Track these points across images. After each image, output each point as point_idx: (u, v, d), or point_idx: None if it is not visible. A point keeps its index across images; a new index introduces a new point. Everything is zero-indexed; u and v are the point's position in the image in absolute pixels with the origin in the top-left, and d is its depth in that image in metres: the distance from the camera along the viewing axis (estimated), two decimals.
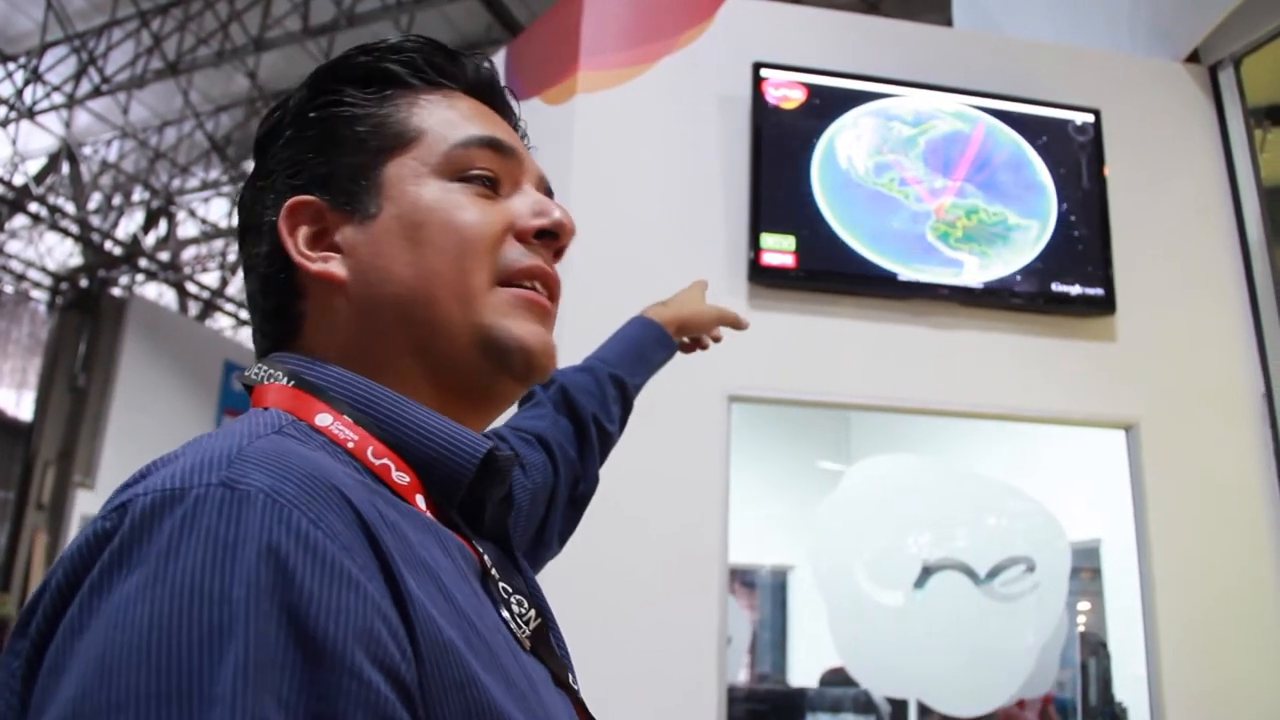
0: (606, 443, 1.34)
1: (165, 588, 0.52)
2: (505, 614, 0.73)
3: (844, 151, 3.26)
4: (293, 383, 0.74)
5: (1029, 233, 3.30)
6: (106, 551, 0.55)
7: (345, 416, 0.72)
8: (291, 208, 0.78)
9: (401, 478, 0.71)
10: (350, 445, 0.70)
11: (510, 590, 0.76)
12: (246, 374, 0.79)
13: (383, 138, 0.81)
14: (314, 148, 0.80)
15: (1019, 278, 3.26)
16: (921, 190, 3.26)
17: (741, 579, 5.75)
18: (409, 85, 0.84)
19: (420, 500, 0.72)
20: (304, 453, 0.62)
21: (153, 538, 0.54)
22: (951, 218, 3.25)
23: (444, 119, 0.83)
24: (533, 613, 0.77)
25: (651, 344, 1.44)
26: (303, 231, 0.79)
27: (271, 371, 0.76)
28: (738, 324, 1.59)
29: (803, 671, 5.38)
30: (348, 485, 0.61)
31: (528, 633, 0.74)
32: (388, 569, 0.59)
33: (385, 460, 0.71)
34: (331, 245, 0.79)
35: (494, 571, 0.75)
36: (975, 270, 3.23)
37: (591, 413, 1.30)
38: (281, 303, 0.80)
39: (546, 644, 0.77)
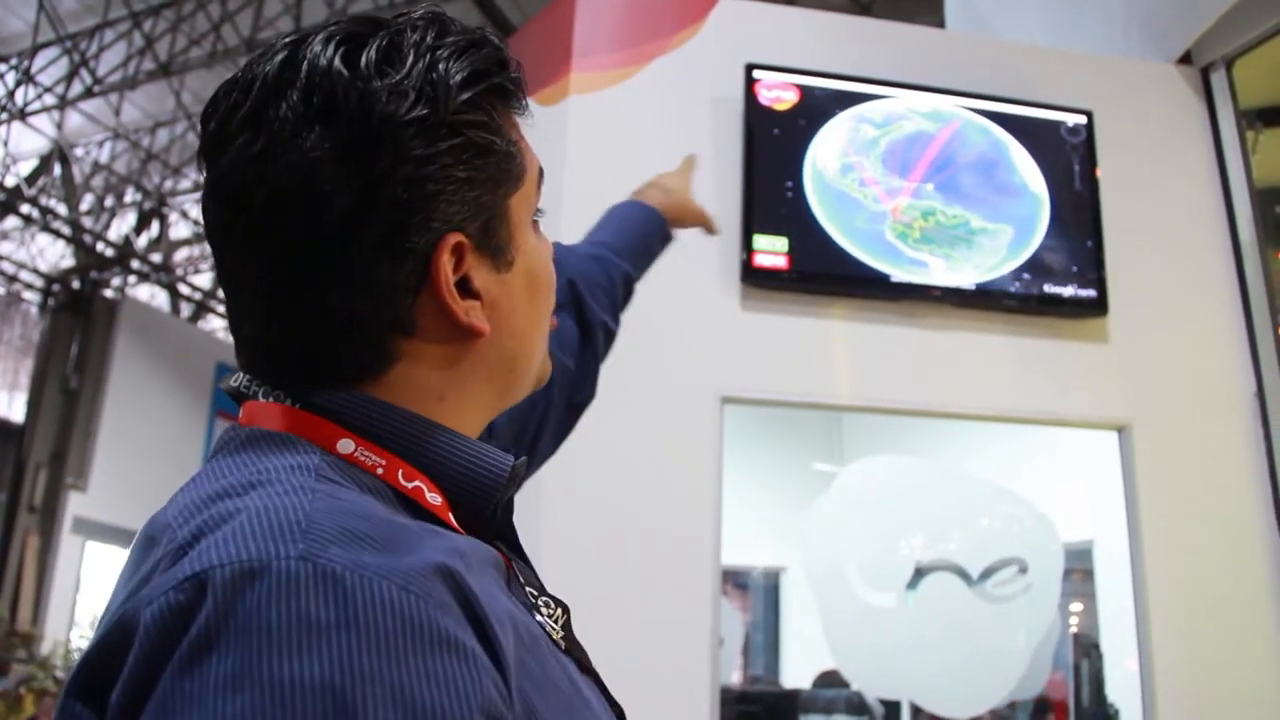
0: (609, 344, 1.29)
1: (265, 677, 0.50)
2: (539, 618, 0.72)
3: (822, 153, 3.26)
4: (298, 404, 0.69)
5: (999, 238, 3.26)
6: (192, 629, 0.52)
7: (366, 440, 0.68)
8: (451, 244, 0.70)
9: (434, 499, 0.69)
10: (380, 471, 0.68)
11: (535, 593, 0.76)
12: (235, 382, 0.74)
13: (512, 174, 0.75)
14: (467, 171, 0.70)
15: (1011, 279, 3.26)
16: (879, 191, 3.25)
17: (734, 580, 5.75)
18: (517, 109, 0.77)
19: (452, 518, 0.70)
20: (365, 507, 0.60)
21: (240, 619, 0.52)
22: (908, 219, 3.24)
23: (527, 149, 0.78)
24: (559, 610, 0.76)
25: (656, 236, 1.40)
26: (448, 271, 0.70)
27: (268, 388, 0.71)
28: (710, 228, 1.56)
29: (795, 673, 5.38)
30: (416, 533, 0.60)
31: (561, 634, 0.74)
32: (477, 619, 0.58)
33: (417, 483, 0.69)
34: (471, 292, 0.72)
35: (520, 576, 0.75)
36: (943, 272, 3.21)
37: (602, 319, 1.24)
38: (379, 339, 0.70)
39: (573, 637, 0.77)
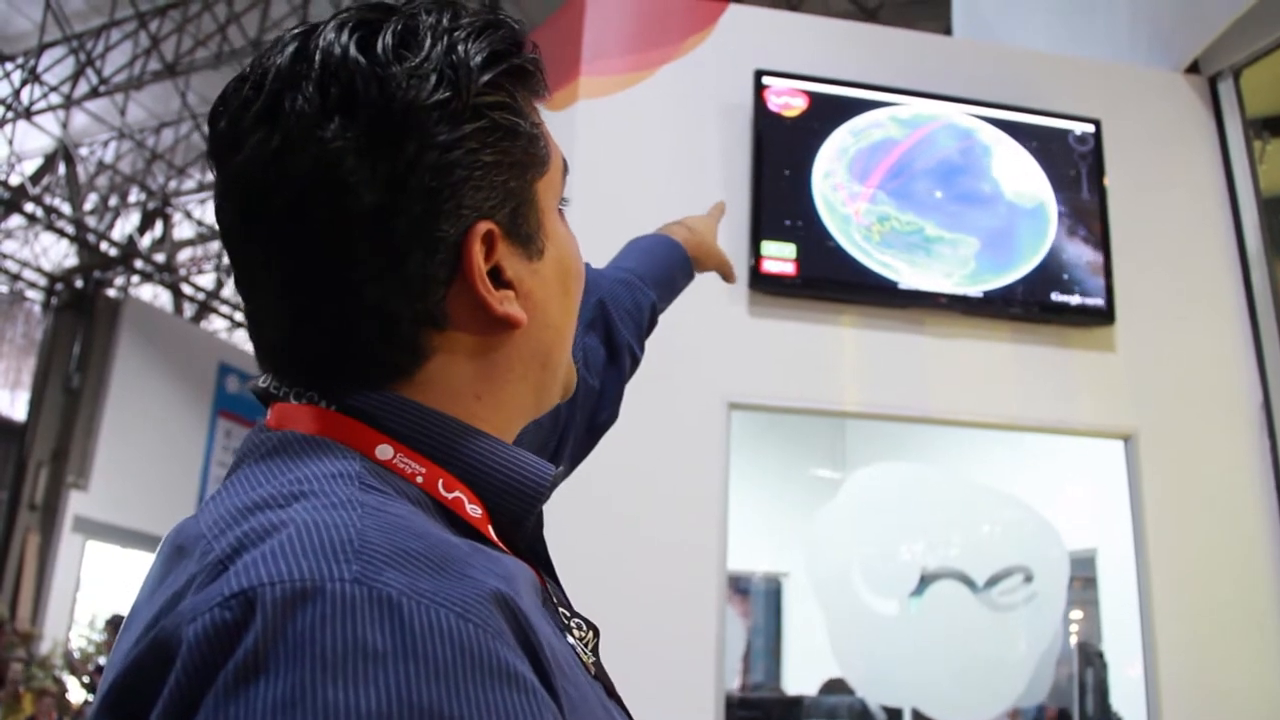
0: (633, 369, 1.24)
1: (319, 705, 0.48)
2: (571, 640, 0.70)
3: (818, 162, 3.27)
4: (334, 406, 0.66)
5: (960, 248, 3.25)
6: (239, 650, 0.49)
7: (405, 446, 0.66)
8: (481, 233, 0.67)
9: (474, 510, 0.67)
10: (419, 480, 0.65)
11: (568, 614, 0.74)
12: (263, 383, 0.71)
13: (538, 157, 0.72)
14: (494, 155, 0.68)
15: (1019, 287, 3.26)
16: (844, 195, 3.25)
17: (736, 586, 5.75)
18: (538, 91, 0.74)
19: (491, 531, 0.68)
20: (417, 523, 0.57)
21: (291, 642, 0.49)
22: (866, 222, 3.23)
23: (549, 136, 0.76)
24: (590, 634, 0.75)
25: (680, 272, 1.36)
26: (480, 260, 0.67)
27: (299, 389, 0.68)
28: (729, 277, 1.49)
29: (796, 679, 5.37)
30: (469, 555, 0.57)
31: (592, 658, 0.72)
32: (531, 648, 0.55)
33: (457, 493, 0.66)
34: (504, 282, 0.70)
35: (553, 596, 0.73)
36: (911, 277, 3.20)
37: (628, 341, 1.20)
38: (412, 335, 0.67)
39: (599, 662, 0.74)
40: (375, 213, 0.64)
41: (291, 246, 0.65)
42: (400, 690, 0.49)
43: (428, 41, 0.66)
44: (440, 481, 0.66)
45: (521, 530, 0.71)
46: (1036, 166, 3.40)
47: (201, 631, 0.51)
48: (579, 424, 1.12)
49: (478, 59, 0.67)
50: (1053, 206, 3.35)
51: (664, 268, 1.32)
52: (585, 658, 0.70)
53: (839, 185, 3.24)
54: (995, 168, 3.37)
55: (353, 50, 0.65)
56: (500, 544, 0.67)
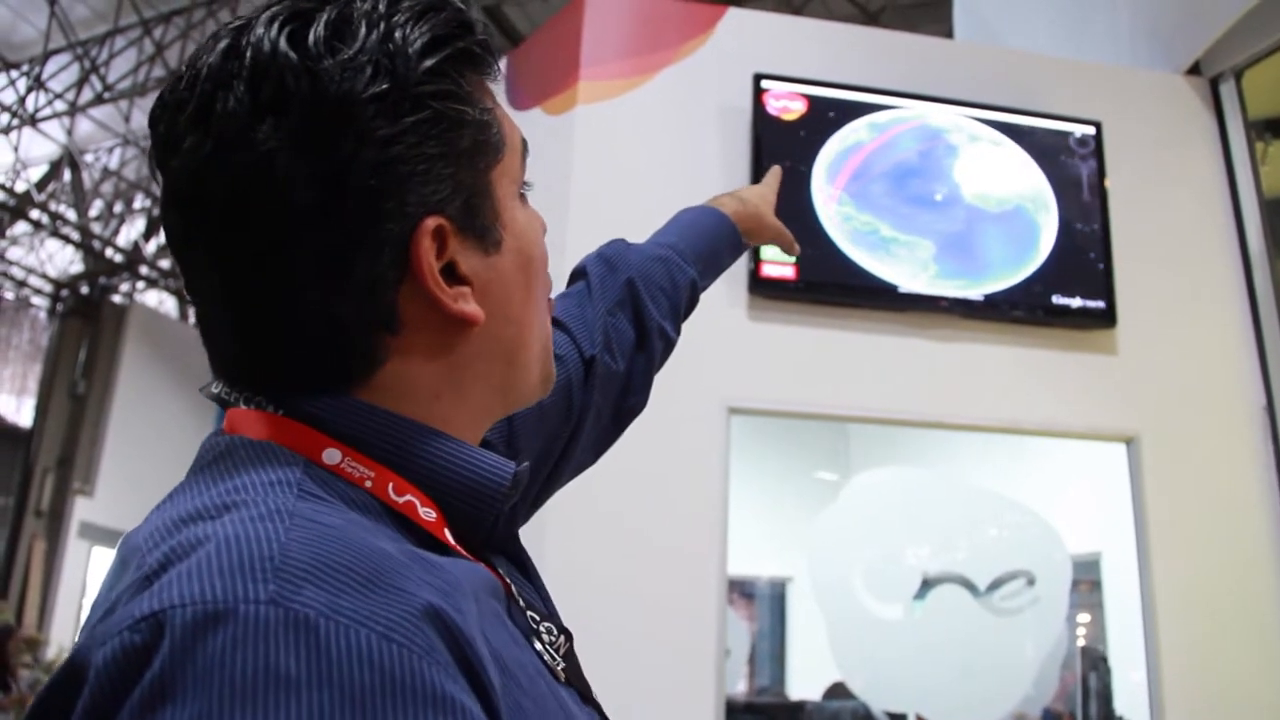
0: (668, 352, 1.16)
1: None
2: (538, 646, 0.68)
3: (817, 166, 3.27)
4: (281, 410, 0.64)
5: (917, 251, 3.23)
6: (146, 676, 0.47)
7: (355, 450, 0.63)
8: (430, 229, 0.64)
9: (428, 514, 0.64)
10: (368, 484, 0.62)
11: (537, 618, 0.71)
12: (215, 389, 0.68)
13: (489, 145, 0.69)
14: (439, 146, 0.65)
15: (1020, 290, 3.25)
16: (821, 196, 3.24)
17: (740, 590, 5.74)
18: (488, 74, 0.71)
19: (448, 534, 0.65)
20: (348, 533, 0.54)
21: (198, 668, 0.47)
22: (836, 220, 3.23)
23: (505, 119, 0.72)
24: (561, 638, 0.72)
25: (727, 246, 1.28)
26: (430, 258, 0.64)
27: (249, 394, 0.66)
28: (790, 248, 1.42)
29: (802, 683, 5.36)
30: (404, 566, 0.54)
31: (561, 664, 0.70)
32: (468, 664, 0.53)
33: (409, 497, 0.63)
34: (458, 278, 0.67)
35: (520, 599, 0.70)
36: (886, 272, 3.20)
37: (660, 324, 1.12)
38: (364, 339, 0.65)
39: (575, 665, 0.72)
40: (314, 214, 0.61)
41: (232, 252, 0.62)
42: (313, 718, 0.46)
43: (362, 30, 0.63)
44: (391, 485, 0.63)
45: (480, 532, 0.68)
46: (1021, 169, 3.38)
47: (110, 655, 0.49)
48: (604, 411, 1.06)
49: (417, 45, 0.64)
50: (1050, 208, 3.34)
51: (708, 241, 1.24)
52: (553, 663, 0.68)
53: (818, 186, 3.25)
54: (957, 170, 3.35)
55: (283, 44, 0.62)
56: (457, 547, 0.65)
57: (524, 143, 0.75)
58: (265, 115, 0.60)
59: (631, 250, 1.17)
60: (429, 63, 0.64)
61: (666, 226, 1.26)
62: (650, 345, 1.11)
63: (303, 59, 0.61)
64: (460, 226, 0.66)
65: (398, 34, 0.64)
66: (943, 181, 3.33)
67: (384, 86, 0.62)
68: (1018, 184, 3.37)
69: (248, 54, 0.62)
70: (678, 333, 1.17)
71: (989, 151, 3.39)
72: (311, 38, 0.62)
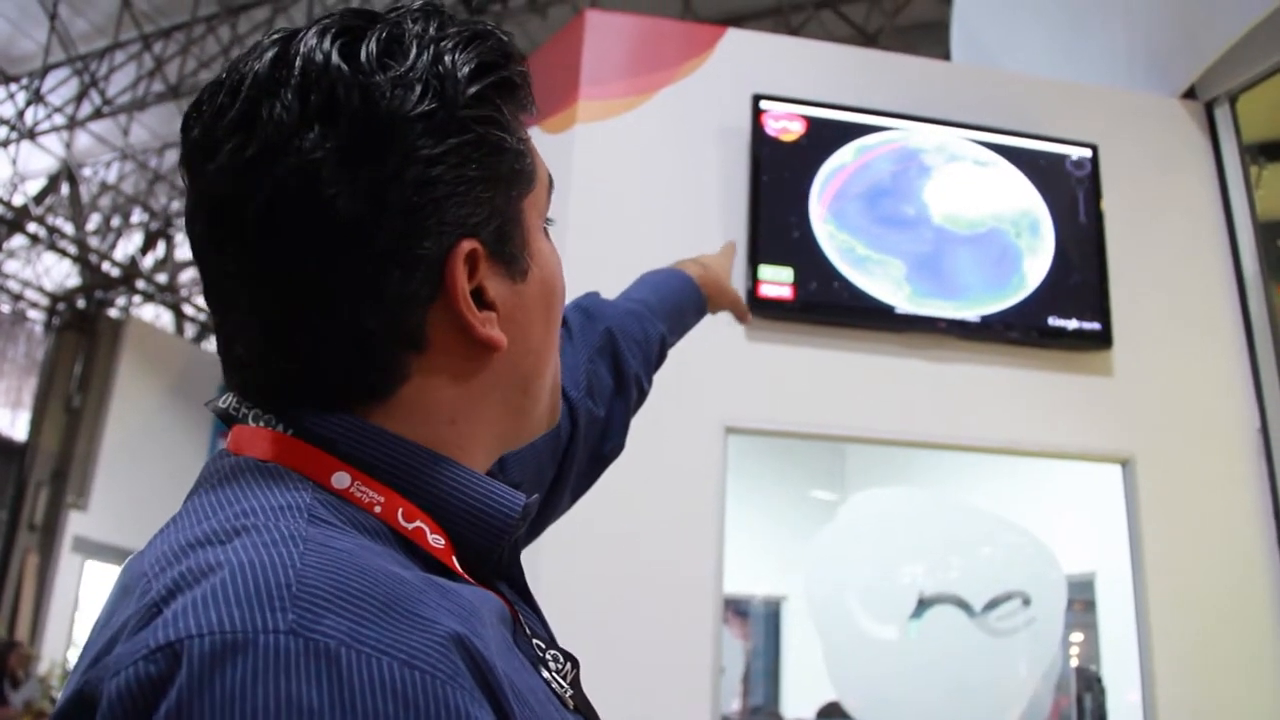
0: (640, 401, 1.20)
1: None
2: (545, 674, 0.67)
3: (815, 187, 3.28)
4: (290, 430, 0.63)
5: (890, 269, 3.24)
6: (162, 708, 0.46)
7: (364, 474, 0.62)
8: (465, 251, 0.64)
9: (437, 541, 0.63)
10: (377, 509, 0.61)
11: (543, 645, 0.71)
12: (223, 403, 0.68)
13: (524, 174, 0.70)
14: (479, 170, 0.65)
15: (1016, 311, 3.26)
16: (815, 216, 3.25)
17: (735, 608, 5.73)
18: (526, 106, 0.71)
19: (455, 561, 0.65)
20: (363, 558, 0.54)
21: (218, 700, 0.46)
22: (824, 237, 3.24)
23: (535, 152, 0.73)
24: (568, 666, 0.72)
25: (692, 307, 1.33)
26: (463, 280, 0.64)
27: (258, 411, 0.65)
28: (743, 317, 1.49)
29: (796, 702, 5.35)
30: (421, 592, 0.53)
31: (569, 691, 0.69)
32: (491, 689, 0.53)
33: (419, 523, 0.63)
34: (485, 303, 0.67)
35: (526, 627, 0.70)
36: (868, 285, 3.21)
37: (635, 372, 1.16)
38: (388, 356, 0.64)
39: (581, 693, 0.72)
40: (353, 227, 0.61)
41: (264, 260, 0.62)
42: None
43: (413, 50, 0.64)
44: (400, 511, 0.62)
45: (489, 561, 0.68)
46: (1005, 190, 3.38)
47: (124, 686, 0.48)
48: (583, 454, 1.08)
49: (465, 70, 0.65)
50: (1040, 230, 3.36)
51: (675, 301, 1.29)
52: (561, 691, 0.68)
53: (813, 207, 3.26)
54: (928, 192, 3.35)
55: (335, 57, 0.62)
56: (464, 575, 0.64)
57: (550, 179, 0.76)
58: (313, 124, 0.60)
59: (606, 303, 1.20)
60: (475, 88, 0.65)
61: (636, 284, 1.30)
62: (628, 392, 1.14)
63: (355, 72, 0.62)
64: (492, 252, 0.67)
65: (447, 58, 0.65)
66: (912, 202, 3.34)
67: (432, 106, 0.63)
68: (996, 206, 3.37)
69: (297, 63, 0.62)
70: (650, 384, 1.21)
71: (967, 173, 3.39)
72: (364, 53, 0.63)
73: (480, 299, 0.66)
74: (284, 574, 0.50)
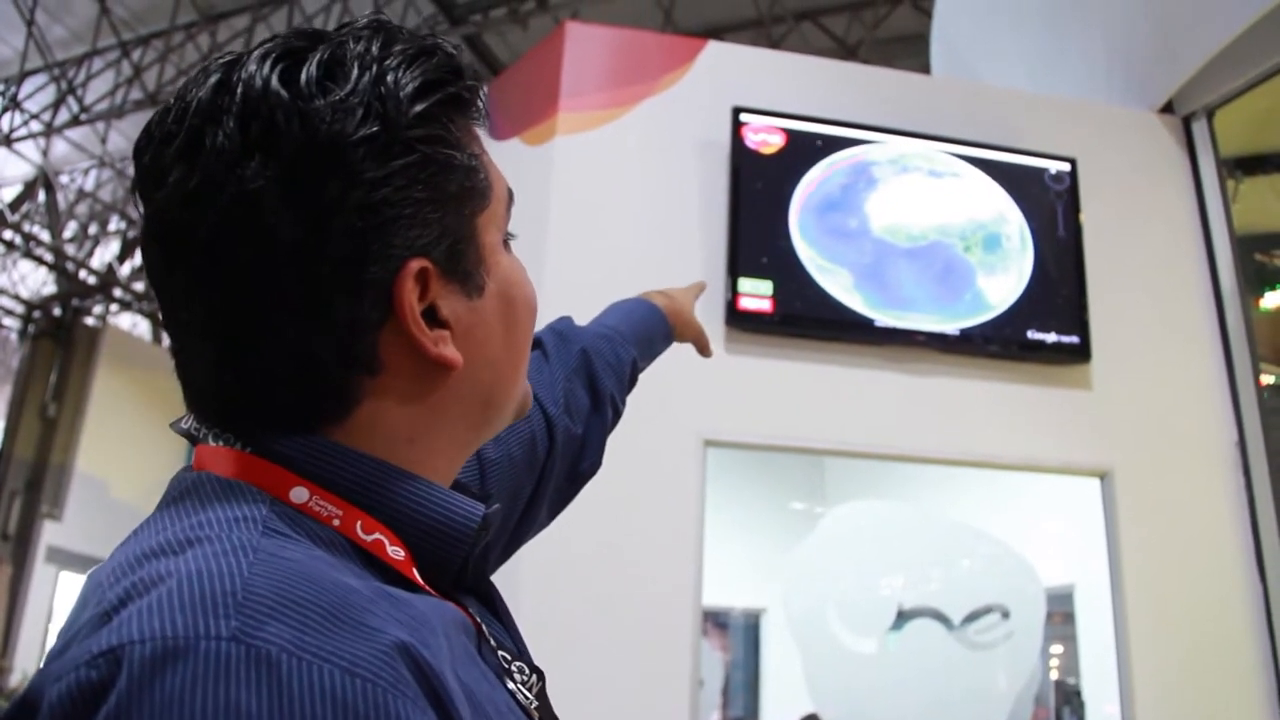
0: (615, 421, 1.22)
1: None
2: (511, 685, 0.68)
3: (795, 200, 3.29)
4: (250, 449, 0.63)
5: (839, 278, 3.24)
6: (101, 713, 0.46)
7: (323, 489, 0.63)
8: (414, 271, 0.64)
9: (396, 553, 0.63)
10: (336, 522, 0.62)
11: (509, 657, 0.72)
12: (185, 424, 0.68)
13: (476, 191, 0.69)
14: (426, 191, 0.65)
15: (994, 325, 3.27)
16: (792, 228, 3.25)
17: (714, 620, 5.72)
18: (477, 120, 0.71)
19: (415, 573, 0.65)
20: (311, 568, 0.54)
21: (155, 705, 0.46)
22: (801, 250, 3.24)
23: (492, 166, 0.73)
24: (534, 678, 0.73)
25: (660, 336, 1.36)
26: (412, 300, 0.64)
27: (217, 431, 0.65)
28: (705, 350, 1.51)
29: (775, 715, 5.34)
30: (370, 602, 0.53)
31: (535, 703, 0.70)
32: (438, 698, 0.53)
33: (377, 535, 0.63)
34: (439, 321, 0.67)
35: (491, 639, 0.70)
36: (842, 294, 3.23)
37: (610, 392, 1.18)
38: (341, 380, 0.64)
39: (547, 705, 0.73)
40: (297, 255, 0.60)
41: (212, 287, 0.62)
42: None
43: (355, 72, 0.63)
44: (359, 523, 0.63)
45: (449, 573, 0.68)
46: (961, 203, 3.38)
47: (64, 691, 0.48)
48: (560, 471, 1.09)
49: (409, 89, 0.64)
50: (1006, 243, 3.37)
51: (644, 328, 1.31)
52: (526, 702, 0.68)
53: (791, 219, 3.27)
54: (870, 204, 3.35)
55: (274, 83, 0.62)
56: (425, 586, 0.64)
57: (509, 192, 0.75)
58: (254, 152, 0.60)
59: (579, 327, 1.22)
60: (419, 107, 0.64)
61: (605, 313, 1.32)
62: (604, 411, 1.16)
63: (294, 98, 0.61)
64: (444, 270, 0.66)
65: (389, 77, 0.64)
66: (855, 214, 3.33)
67: (374, 129, 0.62)
68: (941, 218, 3.36)
69: (239, 90, 0.62)
70: (624, 405, 1.23)
71: (917, 185, 3.39)
72: (304, 77, 0.62)
73: (433, 317, 0.66)
74: (230, 582, 0.50)
